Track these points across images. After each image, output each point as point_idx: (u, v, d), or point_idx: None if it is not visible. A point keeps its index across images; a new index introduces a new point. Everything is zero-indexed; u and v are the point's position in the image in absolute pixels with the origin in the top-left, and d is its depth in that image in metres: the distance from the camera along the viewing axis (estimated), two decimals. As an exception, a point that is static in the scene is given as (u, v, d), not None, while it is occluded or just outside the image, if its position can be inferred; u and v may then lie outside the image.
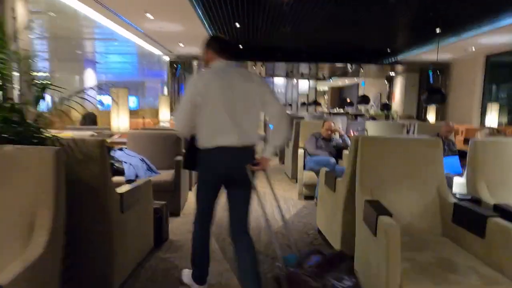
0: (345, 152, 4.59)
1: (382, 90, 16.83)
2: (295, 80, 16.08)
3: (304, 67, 13.75)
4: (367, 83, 19.12)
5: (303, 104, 15.33)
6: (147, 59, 11.36)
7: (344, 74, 16.54)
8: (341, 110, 17.12)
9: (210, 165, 2.08)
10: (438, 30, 7.64)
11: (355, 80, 19.51)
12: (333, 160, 4.45)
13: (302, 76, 15.05)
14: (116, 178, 3.02)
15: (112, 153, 3.36)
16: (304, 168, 4.65)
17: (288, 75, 15.12)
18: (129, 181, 2.94)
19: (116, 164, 3.31)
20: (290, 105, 15.57)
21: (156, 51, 10.46)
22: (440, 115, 11.34)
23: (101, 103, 11.67)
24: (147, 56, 10.70)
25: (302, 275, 1.70)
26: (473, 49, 9.04)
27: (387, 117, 12.74)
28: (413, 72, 13.20)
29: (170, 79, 11.47)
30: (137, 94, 19.21)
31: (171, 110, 11.19)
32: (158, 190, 3.03)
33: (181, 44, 9.45)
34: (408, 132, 6.17)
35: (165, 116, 7.25)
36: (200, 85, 2.04)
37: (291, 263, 1.86)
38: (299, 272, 1.74)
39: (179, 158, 3.84)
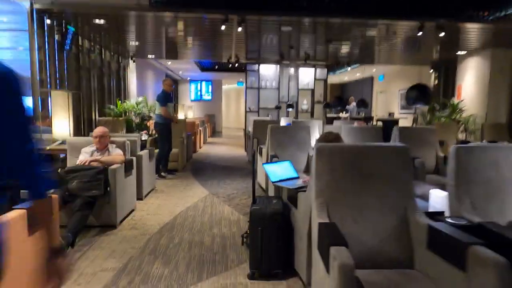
0: None
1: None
2: (292, 69, 10.27)
3: (308, 45, 7.95)
4: (389, 73, 13.62)
5: (327, 105, 9.25)
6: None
7: (358, 61, 10.80)
8: (342, 114, 11.51)
9: None
10: None
11: (372, 71, 13.95)
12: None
13: (305, 61, 9.22)
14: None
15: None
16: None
17: (283, 58, 9.28)
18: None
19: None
20: (291, 105, 9.63)
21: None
22: None
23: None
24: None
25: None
26: None
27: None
28: (500, 46, 7.68)
29: (42, 51, 5.26)
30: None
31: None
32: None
33: None
34: None
35: None
36: None
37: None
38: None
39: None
